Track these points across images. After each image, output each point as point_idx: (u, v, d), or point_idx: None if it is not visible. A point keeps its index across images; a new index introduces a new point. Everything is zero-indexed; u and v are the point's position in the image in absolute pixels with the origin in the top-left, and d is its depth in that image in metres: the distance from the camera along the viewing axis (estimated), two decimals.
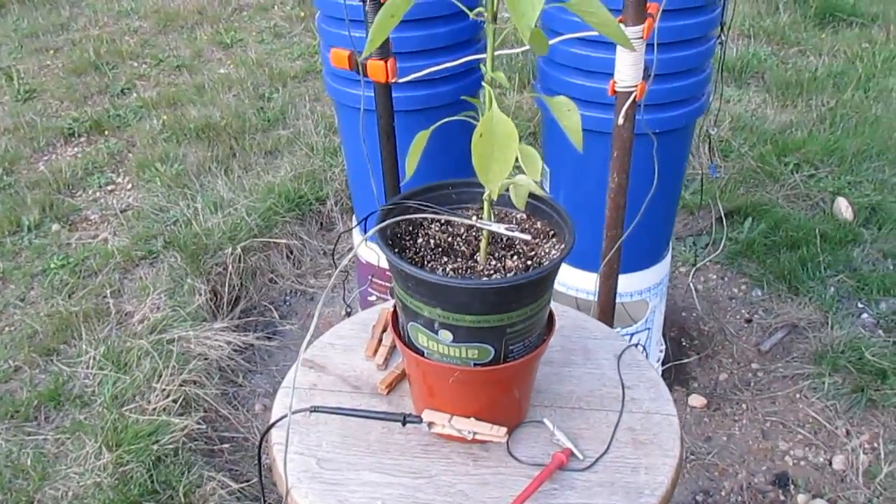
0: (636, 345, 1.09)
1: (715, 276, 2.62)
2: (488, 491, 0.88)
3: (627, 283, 1.85)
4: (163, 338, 2.24)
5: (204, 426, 2.02)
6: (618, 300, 1.62)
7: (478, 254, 0.88)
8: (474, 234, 0.91)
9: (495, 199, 0.82)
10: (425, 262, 0.86)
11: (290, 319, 2.51)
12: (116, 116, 3.56)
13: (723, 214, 2.64)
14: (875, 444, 2.00)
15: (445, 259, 0.87)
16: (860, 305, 2.46)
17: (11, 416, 2.09)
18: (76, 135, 3.46)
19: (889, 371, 2.13)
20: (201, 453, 1.95)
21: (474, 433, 0.90)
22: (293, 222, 2.78)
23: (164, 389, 2.07)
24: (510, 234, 0.83)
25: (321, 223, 2.85)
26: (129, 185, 3.10)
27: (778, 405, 2.13)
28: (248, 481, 1.88)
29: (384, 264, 2.09)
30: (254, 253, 2.62)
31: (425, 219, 0.91)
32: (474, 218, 0.85)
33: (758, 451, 2.00)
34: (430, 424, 0.91)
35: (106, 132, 3.46)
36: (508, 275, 0.83)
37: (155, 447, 1.89)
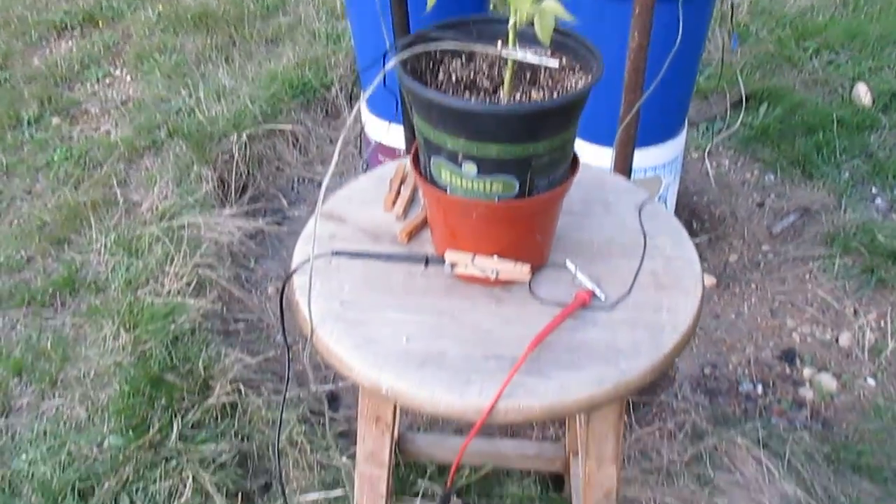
0: (657, 197, 1.08)
1: (728, 162, 2.60)
2: (512, 328, 0.89)
3: (642, 159, 1.83)
4: (172, 224, 2.24)
5: (219, 307, 2.04)
6: (632, 176, 1.61)
7: (501, 88, 0.85)
8: (497, 69, 0.88)
9: (522, 23, 0.79)
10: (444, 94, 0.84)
11: (299, 206, 2.50)
12: (109, 8, 3.45)
13: (743, 95, 2.59)
14: (882, 323, 2.02)
15: (468, 94, 0.85)
16: (874, 190, 2.44)
17: (28, 304, 2.12)
18: (69, 28, 3.36)
19: None
20: (217, 333, 1.98)
21: (497, 272, 0.90)
22: (298, 109, 2.73)
23: (178, 273, 2.09)
24: (538, 60, 0.80)
25: (326, 110, 2.81)
26: (128, 78, 3.04)
27: (787, 285, 2.14)
28: (266, 358, 1.91)
29: (392, 142, 2.06)
30: (259, 140, 2.59)
31: (446, 53, 0.89)
32: (499, 46, 0.82)
33: (766, 328, 2.02)
34: (453, 265, 0.91)
35: (100, 24, 3.37)
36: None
37: (172, 327, 1.92)
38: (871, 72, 2.90)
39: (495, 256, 0.90)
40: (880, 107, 2.76)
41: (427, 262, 0.92)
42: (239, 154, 2.50)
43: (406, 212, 1.06)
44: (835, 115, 2.66)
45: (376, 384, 0.83)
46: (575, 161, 0.92)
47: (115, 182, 2.45)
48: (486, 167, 0.82)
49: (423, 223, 1.03)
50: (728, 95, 2.77)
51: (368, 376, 0.84)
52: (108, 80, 3.04)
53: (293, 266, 0.96)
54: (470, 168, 0.83)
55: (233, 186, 2.48)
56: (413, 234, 1.02)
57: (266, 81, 2.76)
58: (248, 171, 2.53)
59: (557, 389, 0.81)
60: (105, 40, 3.24)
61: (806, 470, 1.58)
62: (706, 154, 2.58)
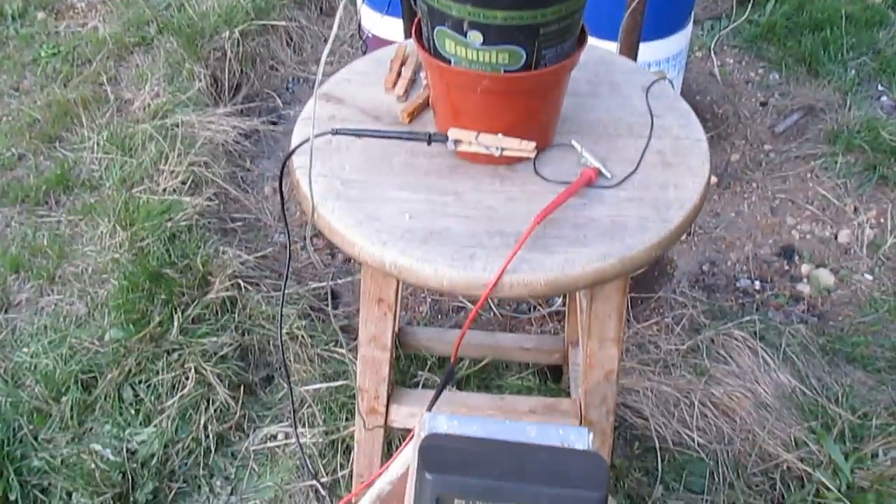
0: (665, 78, 1.05)
1: (732, 60, 2.54)
2: (516, 206, 0.87)
3: (646, 53, 1.78)
4: (165, 122, 2.20)
5: (216, 204, 2.02)
6: None
7: None
8: None
9: None
10: None
11: (294, 106, 2.45)
12: None
13: None
14: (882, 220, 2.01)
15: None
16: (880, 88, 2.40)
17: (22, 201, 2.09)
18: None
19: None
20: (215, 231, 1.97)
21: (502, 149, 0.88)
22: (292, 6, 2.64)
23: (173, 171, 2.06)
24: None
25: (320, 7, 2.72)
26: None
27: (788, 184, 2.12)
28: (263, 256, 1.91)
29: (390, 36, 2.00)
30: (252, 38, 2.51)
31: None
32: None
33: (765, 226, 2.02)
34: (456, 142, 0.89)
35: None
36: None
37: (169, 224, 1.91)
38: None
39: (500, 134, 0.88)
40: (890, 2, 2.69)
41: (430, 139, 0.90)
42: (231, 51, 2.43)
43: (407, 93, 1.03)
44: (843, 12, 2.59)
45: (379, 260, 0.83)
46: (583, 34, 0.88)
47: (104, 79, 2.39)
48: (492, 36, 0.79)
49: (425, 104, 1.00)
50: None
51: (371, 252, 0.83)
52: None
53: (293, 145, 0.94)
54: (475, 37, 0.79)
55: (226, 85, 2.42)
56: (415, 115, 0.99)
57: None
58: (242, 70, 2.46)
59: (562, 263, 0.81)
60: None
61: (801, 361, 1.61)
62: (711, 52, 2.51)
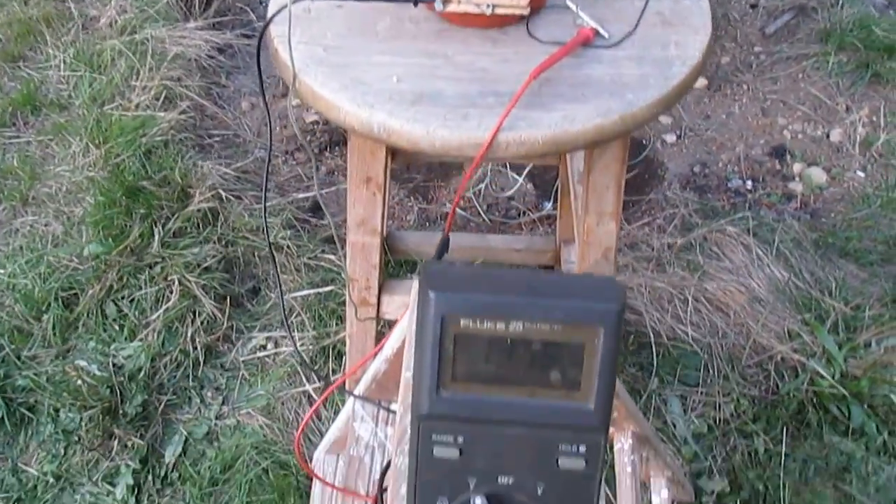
0: None
1: None
2: (510, 66, 0.83)
3: None
4: (134, 38, 2.10)
5: (191, 119, 1.95)
6: None
7: None
8: None
9: None
10: None
11: None
12: None
13: None
14: (874, 118, 1.98)
15: None
16: None
17: None
18: None
19: None
20: (192, 146, 1.90)
21: (493, 6, 0.82)
22: None
23: (145, 87, 1.98)
24: None
25: None
26: None
27: (779, 85, 2.08)
28: (244, 170, 1.85)
29: None
30: None
31: None
32: None
33: (756, 127, 1.98)
34: (445, 1, 0.83)
35: None
36: None
37: (143, 140, 1.84)
38: None
39: None
40: None
41: (416, 0, 0.84)
42: None
43: None
44: None
45: (367, 123, 0.78)
46: None
47: None
48: None
49: None
50: None
51: (358, 115, 0.78)
52: None
53: (269, 14, 0.88)
54: None
55: None
56: None
57: None
58: None
59: (561, 120, 0.77)
60: None
61: (794, 256, 1.59)
62: None
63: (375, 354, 0.89)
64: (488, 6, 0.82)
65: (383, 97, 0.79)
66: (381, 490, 0.72)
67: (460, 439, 0.47)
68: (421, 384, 0.46)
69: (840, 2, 2.25)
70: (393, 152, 1.36)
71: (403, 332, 0.79)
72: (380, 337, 1.23)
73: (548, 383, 0.45)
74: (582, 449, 0.47)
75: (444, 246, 0.81)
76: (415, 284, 0.66)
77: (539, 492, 0.48)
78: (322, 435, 1.25)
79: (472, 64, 0.83)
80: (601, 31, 0.86)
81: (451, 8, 0.84)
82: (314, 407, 0.99)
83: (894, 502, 1.32)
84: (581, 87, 0.80)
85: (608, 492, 1.13)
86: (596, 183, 0.92)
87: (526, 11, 0.82)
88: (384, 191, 0.96)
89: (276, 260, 1.62)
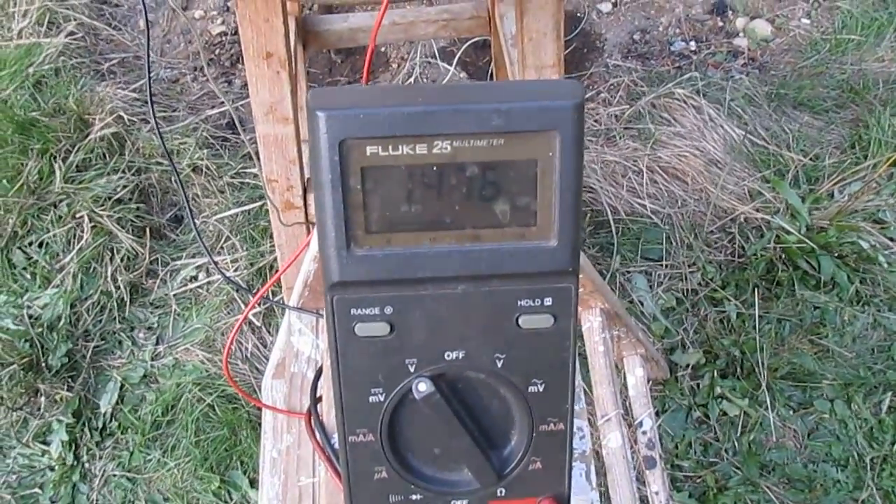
0: None
1: None
2: None
3: None
4: None
5: (83, 43, 1.75)
6: None
7: None
8: None
9: None
10: None
11: None
12: None
13: None
14: None
15: None
16: None
17: None
18: None
19: None
20: (87, 72, 1.71)
21: None
22: None
23: (25, 11, 1.77)
24: None
25: None
26: None
27: None
28: (151, 92, 1.68)
29: None
30: None
31: None
32: None
33: None
34: None
35: None
36: None
37: (31, 70, 1.64)
38: None
39: None
40: None
41: None
42: None
43: None
44: None
45: None
46: None
47: None
48: None
49: None
50: None
51: None
52: None
53: None
54: None
55: None
56: None
57: None
58: None
59: None
60: None
61: (747, 112, 1.51)
62: None
63: (305, 253, 0.78)
64: None
65: None
66: (315, 401, 0.62)
67: (388, 310, 0.36)
68: (327, 244, 0.34)
69: None
70: (304, 40, 1.21)
71: None
72: None
73: (494, 221, 0.34)
74: (547, 301, 0.36)
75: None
76: None
77: (499, 364, 0.38)
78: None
79: None
80: None
81: None
82: (237, 325, 0.88)
83: (871, 350, 1.28)
84: None
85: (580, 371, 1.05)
86: (531, 30, 0.79)
87: None
88: (290, 68, 0.82)
89: (196, 183, 1.48)
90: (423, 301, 0.36)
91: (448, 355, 0.37)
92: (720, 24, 1.77)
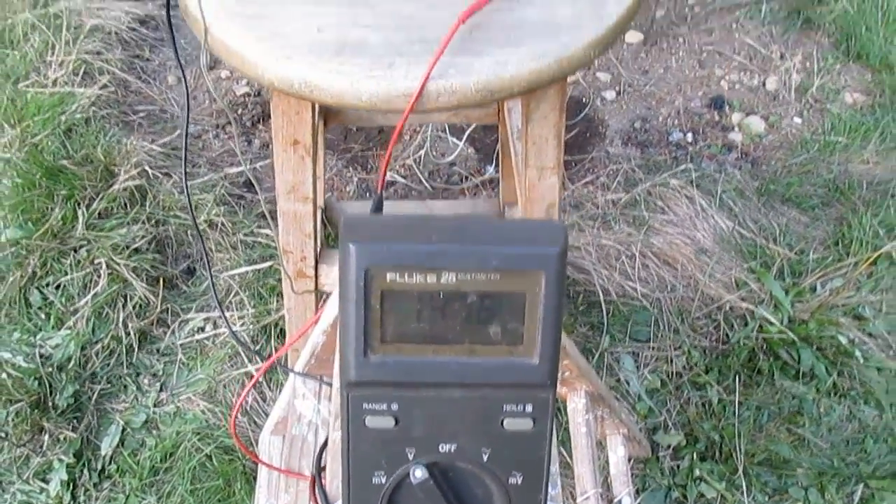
0: None
1: None
2: (437, 12, 0.77)
3: None
4: (48, 11, 1.98)
5: (114, 95, 1.85)
6: None
7: None
8: None
9: None
10: None
11: None
12: None
13: None
14: (808, 63, 1.99)
15: None
16: None
17: None
18: None
19: None
20: (116, 123, 1.81)
21: None
22: None
23: (61, 62, 1.87)
24: None
25: None
26: None
27: (715, 36, 2.07)
28: (173, 147, 1.77)
29: None
30: None
31: None
32: None
33: (694, 79, 1.97)
34: None
35: None
36: None
37: (63, 118, 1.74)
38: None
39: None
40: None
41: None
42: None
43: None
44: None
45: (287, 78, 0.72)
46: None
47: None
48: None
49: None
50: None
51: (276, 71, 0.73)
52: None
53: None
54: None
55: None
56: None
57: None
58: None
59: (493, 66, 0.72)
60: None
61: (737, 205, 1.59)
62: None
63: (313, 327, 0.84)
64: None
65: (303, 49, 0.73)
66: (320, 468, 0.68)
67: (394, 406, 0.43)
68: (347, 348, 0.41)
69: None
70: (325, 116, 1.30)
71: (337, 304, 0.74)
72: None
73: (487, 339, 0.41)
74: (528, 408, 0.43)
75: (378, 203, 0.76)
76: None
77: (485, 457, 0.44)
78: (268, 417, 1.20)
79: (397, 10, 0.78)
80: None
81: None
82: (248, 386, 0.94)
83: (846, 441, 1.34)
84: (513, 31, 0.76)
85: (564, 452, 1.11)
86: (535, 135, 0.88)
87: None
88: (314, 153, 0.90)
89: (211, 238, 1.55)
90: (425, 401, 0.43)
91: (442, 447, 0.44)
92: (717, 117, 1.87)
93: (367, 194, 1.72)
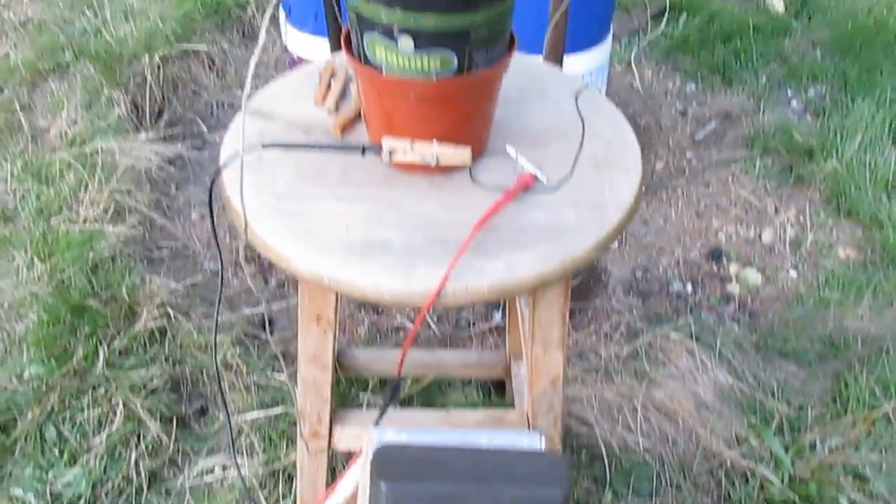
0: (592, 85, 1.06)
1: (650, 72, 2.61)
2: (454, 214, 0.86)
3: (570, 65, 1.81)
4: (84, 150, 2.11)
5: (140, 233, 1.95)
6: None
7: None
8: None
9: None
10: None
11: (219, 131, 2.39)
12: None
13: (667, 4, 2.59)
14: (801, 218, 2.09)
15: None
16: (790, 93, 2.50)
17: None
18: None
19: (816, 150, 2.21)
20: (141, 260, 1.90)
21: (437, 157, 0.87)
22: (213, 30, 2.59)
23: (93, 200, 1.98)
24: None
25: (243, 31, 2.67)
26: None
27: (711, 189, 2.19)
28: (193, 284, 1.85)
29: (315, 56, 1.98)
30: (173, 63, 2.45)
31: None
32: None
33: (693, 230, 2.07)
34: (391, 152, 0.87)
35: None
36: None
37: (90, 255, 1.83)
38: None
39: (434, 142, 0.87)
40: (792, 13, 2.82)
41: (364, 150, 0.88)
42: (152, 77, 2.37)
43: (338, 106, 1.01)
44: (750, 22, 2.70)
45: (317, 274, 0.80)
46: (512, 39, 0.88)
47: (17, 107, 2.29)
48: (423, 41, 0.78)
49: (357, 116, 0.99)
50: (648, 7, 2.77)
51: (308, 267, 0.80)
52: (3, 1, 2.81)
53: (221, 162, 0.91)
54: (406, 43, 0.78)
55: (147, 111, 2.35)
56: (347, 127, 0.97)
57: (177, 0, 2.60)
58: (163, 95, 2.40)
59: (504, 268, 0.80)
60: None
61: (736, 359, 1.64)
62: (630, 64, 2.58)
63: (326, 497, 0.88)
64: (433, 157, 0.87)
65: (333, 248, 0.81)
66: None
67: None
68: None
69: (761, 108, 2.40)
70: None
71: (354, 480, 0.79)
72: (332, 468, 1.22)
73: None
74: None
75: (395, 392, 0.82)
76: (366, 436, 0.67)
77: None
78: None
79: (419, 212, 0.86)
80: (540, 176, 0.91)
81: (398, 158, 0.88)
82: None
83: None
84: (522, 233, 0.84)
85: None
86: (541, 318, 0.95)
87: (469, 162, 0.87)
88: (335, 327, 0.97)
89: (225, 379, 1.60)
90: None
91: None
92: (715, 269, 1.96)
93: (378, 337, 1.78)
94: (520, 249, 0.82)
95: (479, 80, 0.84)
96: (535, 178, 0.90)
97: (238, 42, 2.65)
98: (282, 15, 1.99)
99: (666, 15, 2.64)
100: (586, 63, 1.91)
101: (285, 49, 2.04)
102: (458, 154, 0.86)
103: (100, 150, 2.10)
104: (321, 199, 0.87)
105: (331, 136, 0.96)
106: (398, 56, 0.80)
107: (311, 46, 1.97)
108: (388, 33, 0.78)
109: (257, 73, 2.58)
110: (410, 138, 0.87)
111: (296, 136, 0.96)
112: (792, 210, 2.10)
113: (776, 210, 2.11)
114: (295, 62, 2.02)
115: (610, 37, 1.98)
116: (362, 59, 0.84)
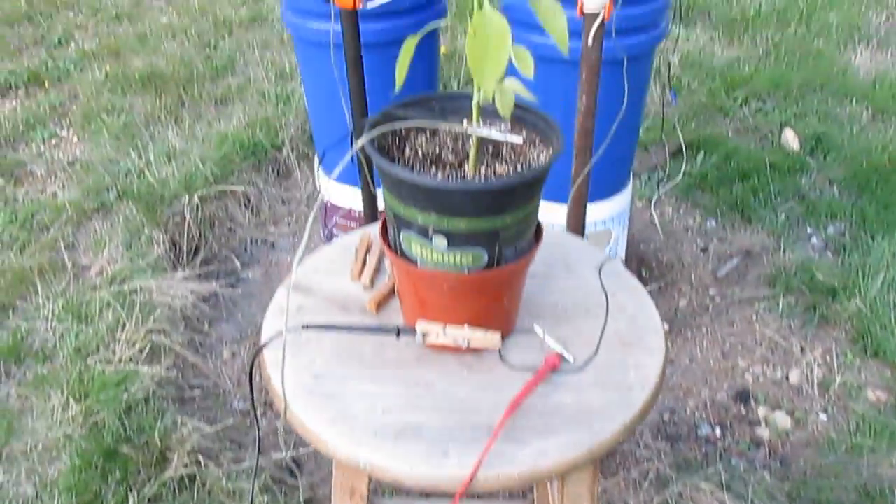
0: (615, 257, 1.11)
1: (671, 210, 2.68)
2: (485, 395, 0.90)
3: (592, 213, 1.88)
4: (123, 289, 2.20)
5: (173, 373, 2.00)
6: (584, 231, 1.65)
7: (466, 162, 0.88)
8: (461, 144, 0.91)
9: (489, 100, 0.81)
10: (414, 172, 0.86)
11: (253, 268, 2.48)
12: (56, 68, 3.41)
13: (683, 143, 2.69)
14: (828, 358, 2.09)
15: (434, 168, 0.87)
16: (809, 230, 2.55)
17: None
18: (14, 87, 3.31)
19: (839, 289, 2.23)
20: (173, 401, 1.93)
21: (469, 340, 0.91)
22: (249, 170, 2.73)
23: (130, 339, 2.04)
24: (503, 137, 0.83)
25: (278, 171, 2.81)
26: (75, 138, 2.99)
27: (736, 327, 2.20)
28: (224, 426, 1.87)
29: (348, 203, 2.08)
30: (211, 202, 2.57)
31: (412, 129, 0.91)
32: (465, 124, 0.85)
33: (719, 370, 2.07)
34: (425, 335, 0.92)
35: (46, 84, 3.32)
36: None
37: (125, 396, 1.87)
38: (797, 117, 3.05)
39: (466, 325, 0.92)
40: (808, 150, 2.90)
41: (398, 333, 0.93)
42: (190, 216, 2.48)
43: (373, 281, 1.07)
44: (767, 160, 2.79)
45: (353, 459, 0.83)
46: (539, 229, 0.94)
47: (62, 245, 2.40)
48: (456, 240, 0.84)
49: (391, 292, 1.04)
50: (667, 146, 2.87)
51: (345, 452, 0.84)
52: (54, 141, 2.99)
53: (263, 340, 0.96)
54: (440, 242, 0.84)
55: (185, 249, 2.45)
56: (382, 304, 1.03)
57: (216, 142, 2.75)
58: (201, 233, 2.50)
59: (534, 456, 0.82)
60: (51, 100, 3.20)
61: None
62: (650, 203, 2.66)
63: None
64: (464, 340, 0.91)
65: (368, 432, 0.84)
66: None
67: None
68: None
69: (782, 246, 2.44)
70: None
71: None
72: None
73: None
74: None
75: None
76: None
77: None
78: None
79: (451, 394, 0.90)
80: (566, 355, 0.94)
81: (431, 341, 0.92)
82: None
83: None
84: (550, 417, 0.87)
85: None
86: (570, 492, 0.96)
87: (498, 346, 0.91)
88: (367, 499, 0.99)
89: None
90: None
91: None
92: (743, 411, 1.95)
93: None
94: (548, 435, 0.84)
95: (509, 272, 0.89)
96: (562, 357, 0.94)
97: (273, 181, 2.78)
98: (315, 160, 2.11)
99: (684, 154, 2.74)
100: (610, 209, 1.98)
101: (323, 198, 2.14)
102: (488, 338, 0.91)
103: (138, 290, 2.18)
104: (357, 380, 0.91)
105: (367, 313, 1.02)
106: (433, 252, 0.86)
107: (343, 195, 2.07)
108: (424, 233, 0.84)
109: (290, 212, 2.70)
110: (443, 322, 0.92)
111: (333, 313, 1.02)
112: (818, 350, 2.10)
113: (802, 350, 2.11)
114: (327, 208, 2.12)
115: (630, 184, 2.06)
116: (398, 251, 0.90)
